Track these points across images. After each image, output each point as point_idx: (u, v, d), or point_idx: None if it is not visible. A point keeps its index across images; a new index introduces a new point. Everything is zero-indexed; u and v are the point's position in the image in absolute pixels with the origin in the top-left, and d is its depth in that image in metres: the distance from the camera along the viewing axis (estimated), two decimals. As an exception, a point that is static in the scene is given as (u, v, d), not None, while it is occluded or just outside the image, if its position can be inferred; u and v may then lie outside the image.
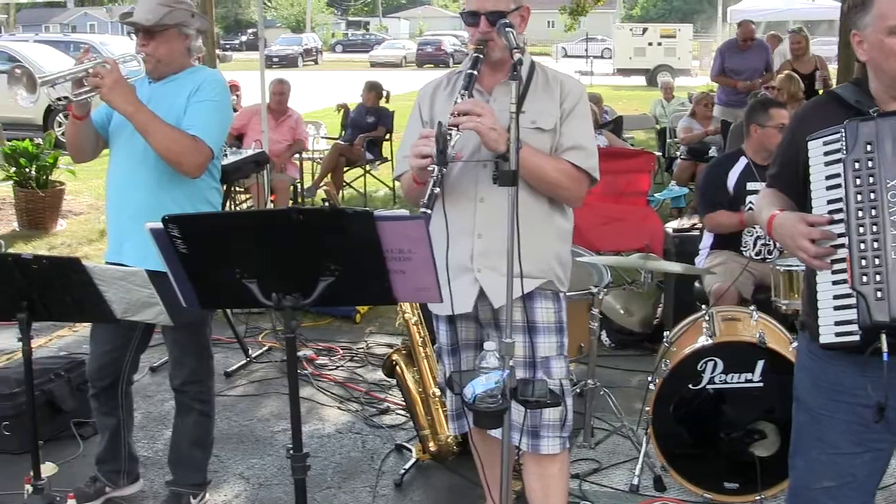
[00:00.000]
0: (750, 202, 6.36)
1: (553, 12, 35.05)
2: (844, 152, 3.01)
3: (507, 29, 3.62)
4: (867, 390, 3.15)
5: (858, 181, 2.99)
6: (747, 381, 4.99)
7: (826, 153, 3.08)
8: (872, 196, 2.97)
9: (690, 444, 5.09)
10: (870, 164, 2.98)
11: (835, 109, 3.24)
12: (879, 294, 2.95)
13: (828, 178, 3.08)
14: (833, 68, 14.04)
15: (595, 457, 5.64)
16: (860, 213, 2.98)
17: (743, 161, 6.54)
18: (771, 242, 6.32)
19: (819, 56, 13.75)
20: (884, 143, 2.99)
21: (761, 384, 4.97)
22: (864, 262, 2.97)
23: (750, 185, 6.40)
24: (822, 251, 3.06)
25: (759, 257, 6.33)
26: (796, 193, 3.32)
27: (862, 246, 2.98)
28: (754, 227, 6.33)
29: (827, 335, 3.11)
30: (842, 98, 3.27)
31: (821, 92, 12.23)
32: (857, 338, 3.03)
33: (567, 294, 4.17)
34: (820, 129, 3.12)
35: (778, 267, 5.58)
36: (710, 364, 4.99)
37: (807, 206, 3.18)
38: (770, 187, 3.50)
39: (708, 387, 5.01)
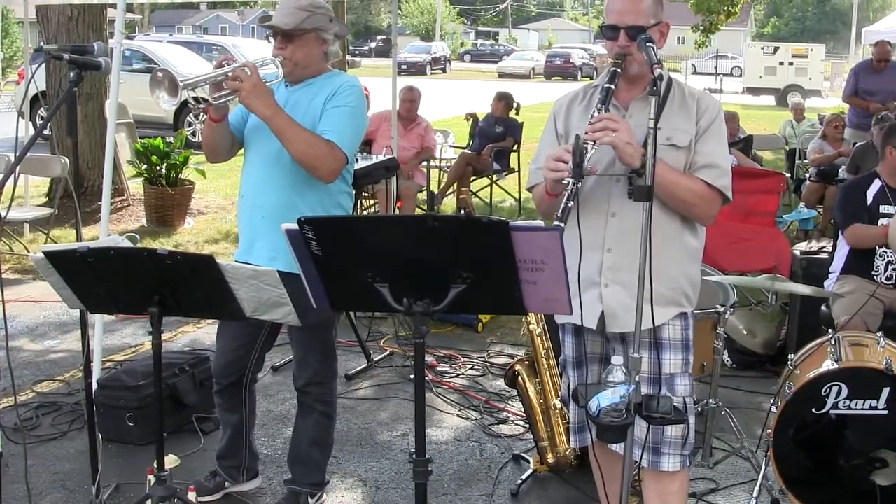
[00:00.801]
0: (881, 223, 6.25)
1: (684, 28, 34.70)
2: None
3: (648, 44, 3.63)
4: None
5: None
6: (871, 408, 4.91)
7: None
8: None
9: (810, 468, 5.03)
10: None
11: None
12: None
13: None
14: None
15: (713, 476, 5.61)
16: None
17: (878, 183, 6.45)
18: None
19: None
20: None
21: (886, 412, 4.89)
22: None
23: (883, 209, 6.31)
24: None
25: (889, 283, 6.23)
26: None
27: None
28: (887, 252, 6.23)
29: None
30: None
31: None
32: None
33: (695, 312, 4.16)
34: None
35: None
36: (835, 389, 4.92)
37: None
38: None
39: (831, 412, 4.94)
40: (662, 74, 3.49)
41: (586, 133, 3.66)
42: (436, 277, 3.30)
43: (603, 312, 3.93)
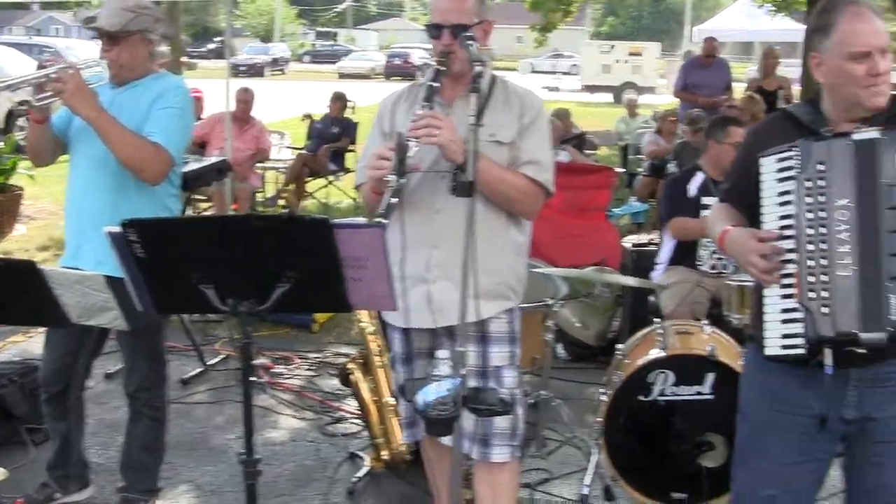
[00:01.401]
0: (703, 217, 6.41)
1: (522, 27, 35.15)
2: (798, 170, 3.08)
3: (469, 42, 3.68)
4: (810, 402, 3.27)
5: (809, 199, 3.07)
6: (698, 393, 5.05)
7: (779, 170, 3.15)
8: (823, 215, 3.05)
9: (640, 455, 5.14)
10: (821, 183, 3.06)
11: (788, 127, 3.32)
12: (826, 310, 3.04)
13: (780, 194, 3.15)
14: (795, 89, 14.21)
15: (546, 467, 5.70)
16: (810, 231, 3.06)
17: (700, 176, 6.63)
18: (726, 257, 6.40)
19: (783, 76, 13.97)
20: (835, 163, 3.07)
21: (711, 397, 5.04)
22: (811, 279, 3.06)
23: (705, 200, 6.48)
24: (772, 266, 3.14)
25: (713, 272, 6.41)
26: (748, 209, 3.39)
27: (811, 263, 3.06)
28: (711, 242, 6.40)
29: (773, 347, 3.19)
30: (795, 116, 3.35)
31: (783, 109, 12.38)
32: (802, 350, 3.10)
33: (522, 306, 4.23)
34: (773, 145, 3.20)
35: (730, 282, 5.66)
36: (662, 376, 5.05)
37: (757, 221, 3.25)
38: (722, 202, 3.58)
39: (659, 399, 5.07)
40: (482, 72, 3.56)
41: (409, 131, 3.70)
42: (260, 277, 3.30)
43: (431, 308, 3.97)
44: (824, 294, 3.04)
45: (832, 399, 3.25)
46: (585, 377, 7.18)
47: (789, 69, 20.28)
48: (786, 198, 3.13)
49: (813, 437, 3.33)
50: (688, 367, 5.07)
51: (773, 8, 24.45)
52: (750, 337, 3.55)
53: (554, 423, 6.05)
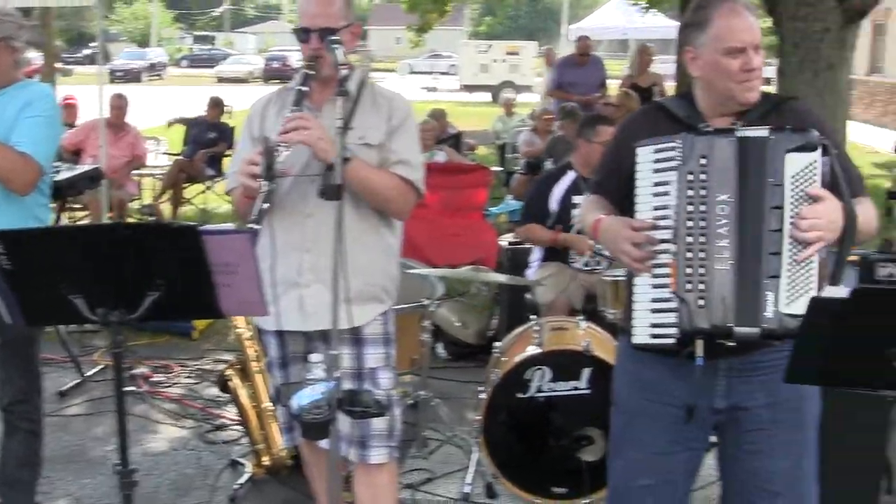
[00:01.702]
0: (575, 216, 6.51)
1: (400, 29, 35.19)
2: (679, 162, 3.11)
3: (335, 45, 3.69)
4: (679, 392, 3.33)
5: (691, 192, 3.10)
6: (574, 388, 5.13)
7: (656, 160, 3.17)
8: (703, 208, 3.09)
9: (521, 451, 5.21)
10: (703, 177, 3.10)
11: (663, 120, 3.37)
12: (702, 302, 3.07)
13: (655, 184, 3.17)
14: (668, 85, 14.46)
15: (428, 467, 5.73)
16: (690, 223, 3.09)
17: (571, 175, 6.69)
18: (602, 253, 6.49)
19: (657, 73, 14.23)
20: (717, 158, 3.11)
21: (588, 391, 5.12)
22: (689, 270, 3.09)
23: (576, 199, 6.54)
24: (644, 255, 3.17)
25: (587, 268, 6.50)
26: (619, 200, 3.42)
27: (689, 255, 3.09)
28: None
29: (642, 336, 3.20)
30: (669, 109, 3.40)
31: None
32: (672, 340, 3.13)
33: (399, 307, 4.26)
34: (646, 137, 3.23)
35: (605, 277, 5.75)
36: (538, 373, 5.12)
37: (629, 211, 3.28)
38: (595, 194, 3.61)
39: (536, 395, 5.13)
40: (348, 75, 3.58)
41: (279, 134, 3.70)
42: (131, 286, 3.27)
43: (304, 312, 3.97)
44: (701, 286, 3.08)
45: (702, 389, 3.29)
46: (466, 376, 7.23)
47: (664, 66, 20.66)
48: (662, 188, 3.16)
49: (686, 426, 3.37)
50: (564, 363, 5.15)
51: (647, 5, 24.83)
52: (622, 329, 3.58)
53: (434, 423, 6.08)
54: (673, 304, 3.12)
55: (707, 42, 3.26)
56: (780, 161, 3.09)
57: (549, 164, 11.32)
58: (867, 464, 4.72)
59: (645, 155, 3.20)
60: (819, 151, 3.11)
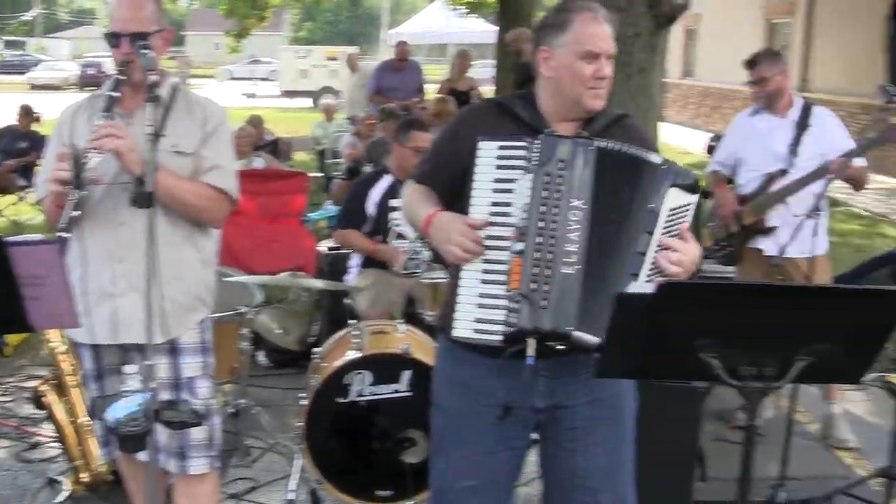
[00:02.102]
0: (395, 219, 6.55)
1: (219, 34, 34.81)
2: (535, 163, 3.11)
3: (144, 51, 3.64)
4: (499, 392, 3.35)
5: (546, 193, 3.11)
6: (395, 391, 5.14)
7: (500, 157, 3.17)
8: (556, 211, 3.10)
9: (343, 456, 5.19)
10: (559, 180, 3.11)
11: (505, 118, 3.39)
12: (544, 302, 3.08)
13: (496, 181, 3.17)
14: (485, 89, 14.65)
15: (252, 475, 5.67)
16: (542, 224, 3.10)
17: (388, 178, 6.70)
18: (419, 256, 6.52)
19: (473, 77, 14.41)
20: (576, 163, 3.12)
21: (409, 394, 5.14)
22: (536, 270, 3.09)
23: (393, 203, 6.57)
24: (476, 251, 3.17)
25: (406, 272, 6.52)
26: (447, 192, 3.41)
27: (537, 255, 3.10)
28: (403, 243, 6.51)
29: (463, 329, 3.18)
30: (512, 109, 3.41)
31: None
32: (498, 337, 3.13)
33: (216, 315, 4.21)
34: (486, 133, 3.22)
35: (423, 280, 5.79)
36: (359, 377, 5.12)
37: (457, 204, 3.29)
38: (419, 183, 3.57)
39: (357, 399, 5.13)
40: (159, 81, 3.53)
41: (89, 142, 3.64)
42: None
43: (117, 323, 3.90)
44: (545, 287, 3.10)
45: (523, 389, 3.31)
46: (288, 383, 7.15)
47: (484, 70, 20.93)
48: (504, 185, 3.16)
49: (507, 426, 3.40)
50: (384, 367, 5.16)
51: (466, 10, 25.12)
52: (441, 329, 3.58)
53: (256, 431, 6.04)
54: (502, 302, 3.13)
55: (565, 44, 3.30)
56: (664, 191, 3.16)
57: (368, 168, 11.34)
58: (681, 454, 4.86)
59: (488, 150, 3.19)
60: (697, 196, 3.24)
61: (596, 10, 3.32)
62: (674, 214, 3.19)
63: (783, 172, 6.16)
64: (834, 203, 15.64)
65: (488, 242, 3.17)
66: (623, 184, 3.18)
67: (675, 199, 3.18)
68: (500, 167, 3.18)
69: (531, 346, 3.12)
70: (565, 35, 3.30)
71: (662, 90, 8.12)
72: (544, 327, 3.09)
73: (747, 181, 6.31)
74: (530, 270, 3.11)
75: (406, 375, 5.13)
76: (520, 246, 3.12)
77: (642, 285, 3.04)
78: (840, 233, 13.53)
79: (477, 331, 3.17)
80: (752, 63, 6.32)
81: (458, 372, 3.48)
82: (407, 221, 3.74)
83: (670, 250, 3.15)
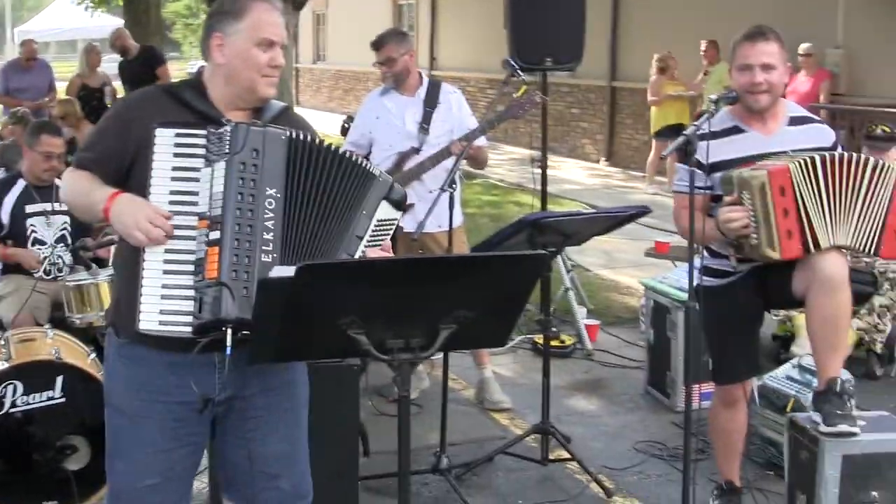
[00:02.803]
0: (31, 225, 6.41)
1: None
2: (227, 152, 3.10)
3: None
4: (182, 387, 3.27)
5: (241, 182, 3.09)
6: (49, 398, 5.01)
7: (178, 144, 3.15)
8: (252, 199, 3.10)
9: (4, 470, 5.00)
10: (254, 169, 3.11)
11: (176, 106, 3.33)
12: (245, 291, 3.06)
13: (175, 169, 3.15)
14: (119, 84, 14.35)
15: None
16: (238, 213, 3.09)
17: (21, 183, 6.53)
18: (60, 260, 6.38)
19: (105, 73, 14.08)
20: (268, 152, 3.14)
21: (64, 400, 5.02)
22: (235, 258, 3.07)
23: (29, 208, 6.43)
24: (160, 238, 3.11)
25: (49, 277, 6.35)
26: (114, 181, 3.29)
27: (236, 243, 3.08)
28: (43, 248, 6.35)
29: (150, 322, 3.12)
30: (182, 97, 3.36)
31: (109, 104, 12.57)
32: (186, 328, 3.10)
33: None
34: (157, 119, 3.18)
35: (68, 282, 5.67)
36: (10, 388, 4.95)
37: (130, 193, 3.21)
38: (84, 170, 3.38)
39: (11, 411, 4.97)
40: None
41: None
42: None
43: None
44: (245, 276, 3.07)
45: (203, 382, 3.29)
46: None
47: (114, 65, 20.43)
48: (183, 174, 3.14)
49: (186, 422, 3.37)
50: (35, 375, 5.02)
51: (92, 4, 24.49)
52: (112, 327, 3.48)
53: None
54: (188, 293, 3.10)
55: (241, 30, 3.31)
56: (376, 201, 3.31)
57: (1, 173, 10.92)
58: (343, 431, 4.97)
59: (165, 138, 3.16)
60: (401, 213, 3.40)
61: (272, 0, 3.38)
62: (380, 226, 3.33)
63: (416, 151, 6.40)
64: (470, 175, 16.37)
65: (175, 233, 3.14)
66: (320, 175, 3.25)
67: (384, 212, 3.33)
68: (177, 155, 3.16)
69: (229, 337, 3.08)
70: (241, 22, 3.31)
71: (294, 76, 8.19)
72: (246, 317, 3.06)
73: (381, 160, 6.46)
74: (230, 259, 3.08)
75: (59, 381, 5.01)
76: (215, 235, 3.10)
77: (285, 268, 3.05)
78: (478, 204, 14.15)
79: (162, 322, 3.12)
80: (377, 44, 6.51)
81: (132, 370, 3.39)
82: (73, 207, 3.56)
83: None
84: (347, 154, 3.33)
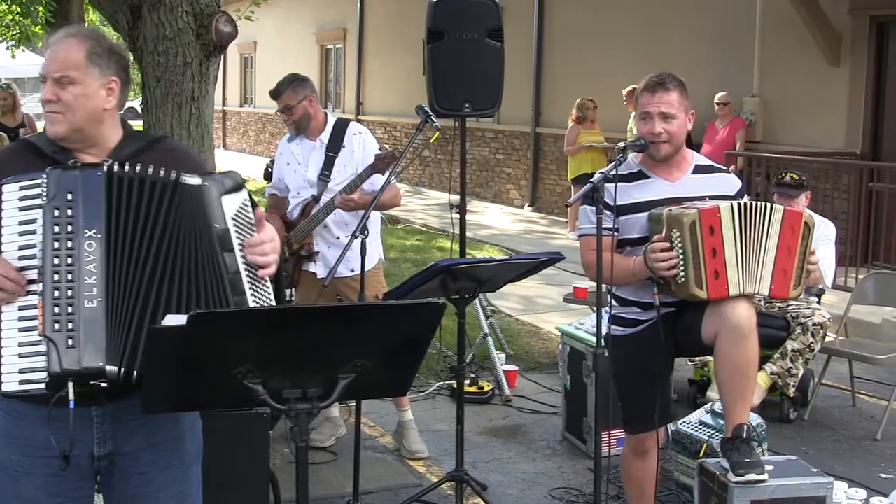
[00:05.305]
0: None
1: None
2: (45, 199, 3.01)
3: None
4: (55, 441, 3.13)
5: (57, 228, 3.00)
6: None
7: (22, 198, 3.06)
8: (70, 244, 3.00)
9: None
10: (69, 212, 3.01)
11: (31, 156, 3.24)
12: (71, 342, 2.96)
13: (21, 223, 3.06)
14: (41, 125, 14.20)
15: None
16: (56, 261, 2.99)
17: None
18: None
19: (27, 113, 13.91)
20: (85, 193, 3.04)
21: None
22: (57, 310, 2.97)
23: None
24: (13, 293, 3.02)
25: None
26: None
27: (56, 293, 2.98)
28: None
29: (10, 383, 3.03)
30: (36, 146, 3.27)
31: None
32: (42, 385, 3.00)
33: None
34: (17, 174, 3.09)
35: None
36: None
37: None
38: None
39: None
40: None
41: None
42: None
43: None
44: (70, 326, 2.97)
45: (78, 436, 3.16)
46: None
47: (37, 105, 20.22)
48: (28, 227, 3.05)
49: (68, 477, 3.24)
50: None
51: (13, 43, 24.13)
52: None
53: None
54: (41, 348, 2.99)
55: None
56: (218, 206, 3.18)
57: None
58: (252, 479, 4.90)
59: (11, 192, 3.08)
60: (245, 189, 3.27)
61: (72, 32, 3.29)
62: (238, 217, 3.22)
63: (315, 199, 6.40)
64: (394, 220, 16.35)
65: (26, 288, 3.04)
66: (149, 208, 3.13)
67: (231, 205, 3.21)
68: (22, 209, 3.07)
69: (70, 390, 2.99)
70: None
71: (214, 118, 8.13)
72: (73, 368, 2.97)
73: (293, 207, 6.50)
74: (52, 311, 2.99)
75: None
76: (38, 287, 3.01)
77: (177, 317, 2.95)
78: (401, 248, 14.13)
79: (22, 382, 3.02)
80: (274, 94, 6.48)
81: (11, 424, 3.28)
82: None
83: (256, 247, 3.21)
84: (173, 175, 3.16)
